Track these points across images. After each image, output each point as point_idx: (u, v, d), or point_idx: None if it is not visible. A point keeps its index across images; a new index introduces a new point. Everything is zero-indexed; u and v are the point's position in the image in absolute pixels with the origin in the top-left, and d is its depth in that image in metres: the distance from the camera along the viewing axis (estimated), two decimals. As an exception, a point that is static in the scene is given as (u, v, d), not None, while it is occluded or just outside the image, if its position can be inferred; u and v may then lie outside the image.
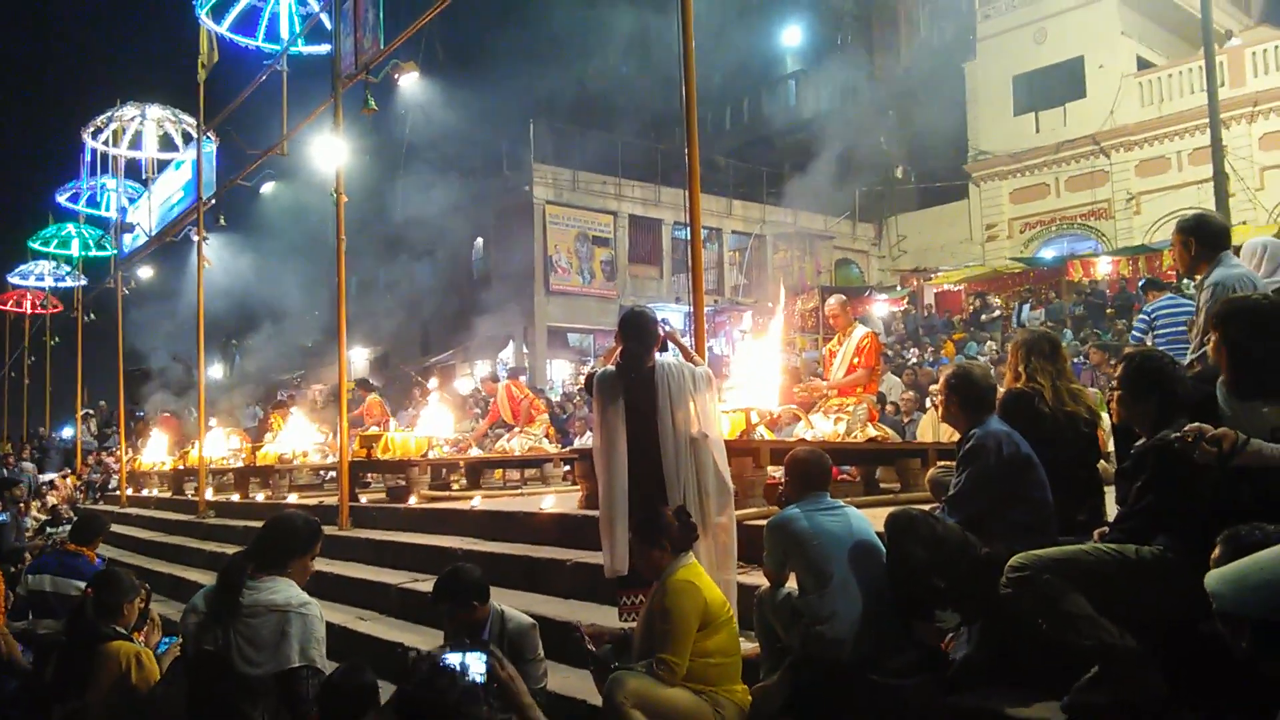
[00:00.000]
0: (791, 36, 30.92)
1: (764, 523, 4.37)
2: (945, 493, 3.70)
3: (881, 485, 6.47)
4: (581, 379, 20.84)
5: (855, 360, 6.88)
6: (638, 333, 4.36)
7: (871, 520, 3.79)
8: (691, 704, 3.37)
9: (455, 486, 9.55)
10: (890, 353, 16.48)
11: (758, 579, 4.02)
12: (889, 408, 10.16)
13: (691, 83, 5.37)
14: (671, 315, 4.80)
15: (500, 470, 10.23)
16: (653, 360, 4.31)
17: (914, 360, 16.25)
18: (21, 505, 9.29)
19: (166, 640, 4.42)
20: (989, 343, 17.59)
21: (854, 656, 3.40)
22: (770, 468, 5.31)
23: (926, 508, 3.82)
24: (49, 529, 8.68)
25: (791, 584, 3.71)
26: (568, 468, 9.52)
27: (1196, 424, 2.84)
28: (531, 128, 24.14)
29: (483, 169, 23.06)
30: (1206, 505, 2.80)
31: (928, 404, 9.88)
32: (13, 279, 20.85)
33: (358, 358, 25.71)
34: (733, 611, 3.65)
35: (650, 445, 4.18)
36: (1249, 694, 2.28)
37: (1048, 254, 23.66)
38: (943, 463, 5.32)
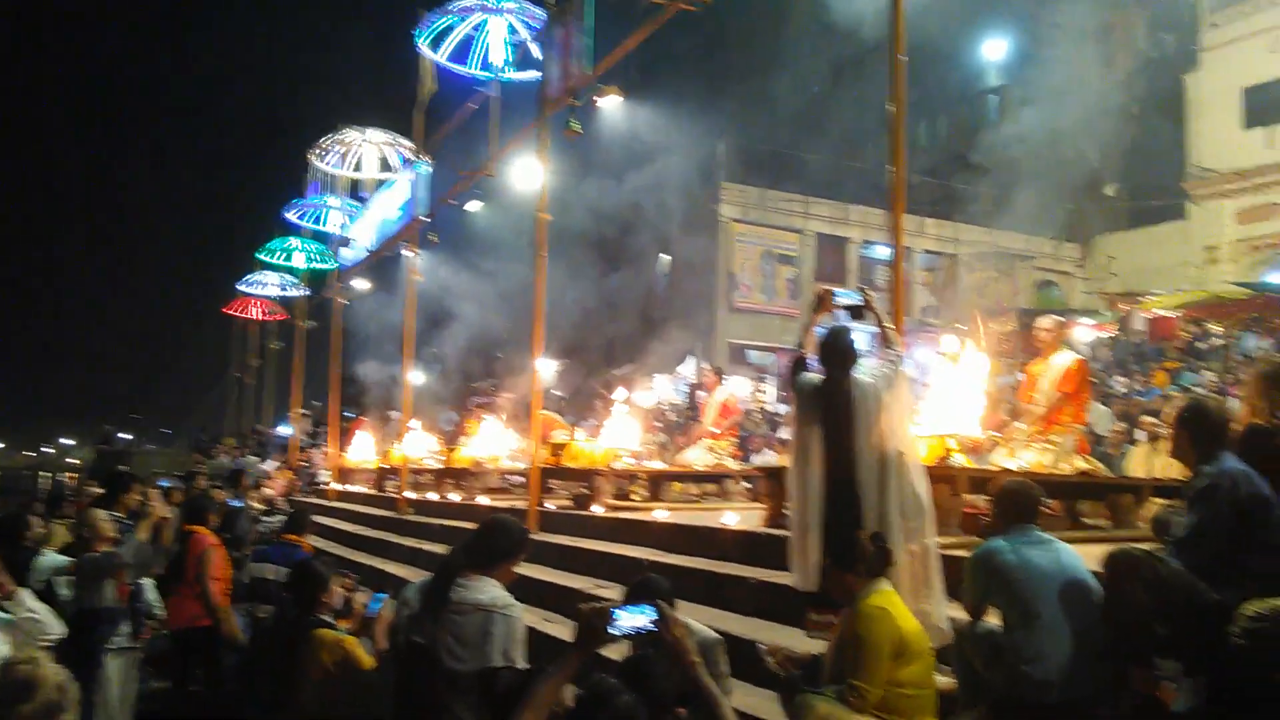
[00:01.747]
0: (995, 49, 29.70)
1: (961, 553, 4.21)
2: (1170, 533, 3.44)
3: (1086, 521, 6.08)
4: (761, 392, 20.50)
5: (1062, 388, 6.50)
6: (837, 355, 4.31)
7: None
8: (882, 734, 3.28)
9: (634, 497, 9.68)
10: (1095, 380, 15.46)
11: (955, 611, 3.87)
12: (1092, 438, 9.54)
13: (901, 99, 5.27)
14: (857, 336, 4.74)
15: (679, 484, 10.30)
16: (850, 380, 4.24)
17: (1122, 390, 15.19)
18: (246, 495, 10.16)
19: (377, 598, 4.68)
20: (1206, 373, 16.19)
21: (1062, 700, 3.22)
22: (968, 495, 5.10)
23: (1145, 547, 3.57)
24: (263, 519, 9.44)
25: (994, 619, 3.54)
26: (748, 485, 9.49)
27: None
28: (721, 146, 24.31)
29: (672, 187, 23.41)
30: None
31: (1137, 435, 9.21)
32: (241, 287, 22.93)
33: (545, 368, 26.58)
34: (929, 643, 3.52)
35: (846, 465, 4.12)
36: None
37: (1276, 279, 21.56)
38: (1167, 501, 4.94)
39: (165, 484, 12.12)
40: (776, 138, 25.60)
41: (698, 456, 10.18)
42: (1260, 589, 2.90)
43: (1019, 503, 3.60)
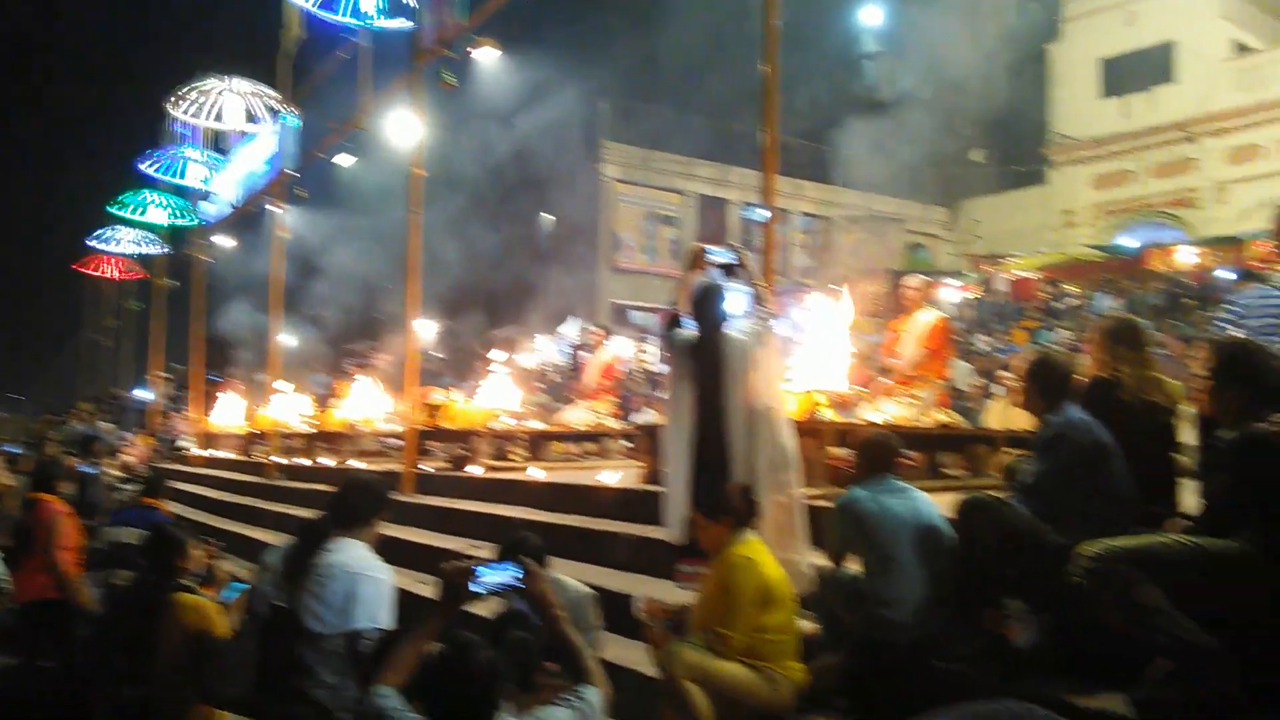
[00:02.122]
0: (871, 16, 30.32)
1: (827, 503, 4.34)
2: (1017, 480, 3.62)
3: (946, 471, 6.36)
4: (643, 353, 20.63)
5: (924, 345, 6.76)
6: (709, 312, 4.35)
7: (938, 505, 3.73)
8: (747, 678, 3.37)
9: (514, 458, 9.64)
10: (959, 339, 16.16)
11: (819, 559, 3.99)
12: (954, 393, 9.98)
13: (774, 62, 5.31)
14: (729, 294, 4.83)
15: (559, 443, 10.30)
16: (722, 336, 4.29)
17: (984, 348, 15.93)
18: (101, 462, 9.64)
19: (236, 586, 4.53)
20: (1062, 331, 17.13)
21: (916, 640, 3.36)
22: (834, 448, 5.25)
23: (996, 494, 3.75)
24: (120, 486, 8.99)
25: (855, 565, 3.67)
26: (628, 443, 9.56)
27: (1289, 416, 2.73)
28: (603, 105, 24.12)
29: (554, 145, 23.13)
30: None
31: (995, 390, 9.67)
32: (93, 243, 21.49)
33: (425, 329, 26.04)
34: (792, 589, 3.62)
35: (716, 419, 4.19)
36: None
37: (1128, 242, 22.93)
38: (1017, 450, 5.20)
39: (14, 450, 11.40)
40: (659, 98, 25.58)
41: (578, 416, 10.18)
42: (1099, 532, 3.08)
43: (878, 453, 3.73)
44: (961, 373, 10.78)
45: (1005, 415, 8.46)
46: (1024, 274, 23.35)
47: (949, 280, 23.56)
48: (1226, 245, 18.97)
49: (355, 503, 3.60)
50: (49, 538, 5.94)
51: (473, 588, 2.66)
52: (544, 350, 24.23)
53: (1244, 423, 2.92)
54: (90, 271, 22.93)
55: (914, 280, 7.11)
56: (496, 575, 2.70)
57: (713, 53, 24.41)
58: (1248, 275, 7.23)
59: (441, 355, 21.37)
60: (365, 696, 2.92)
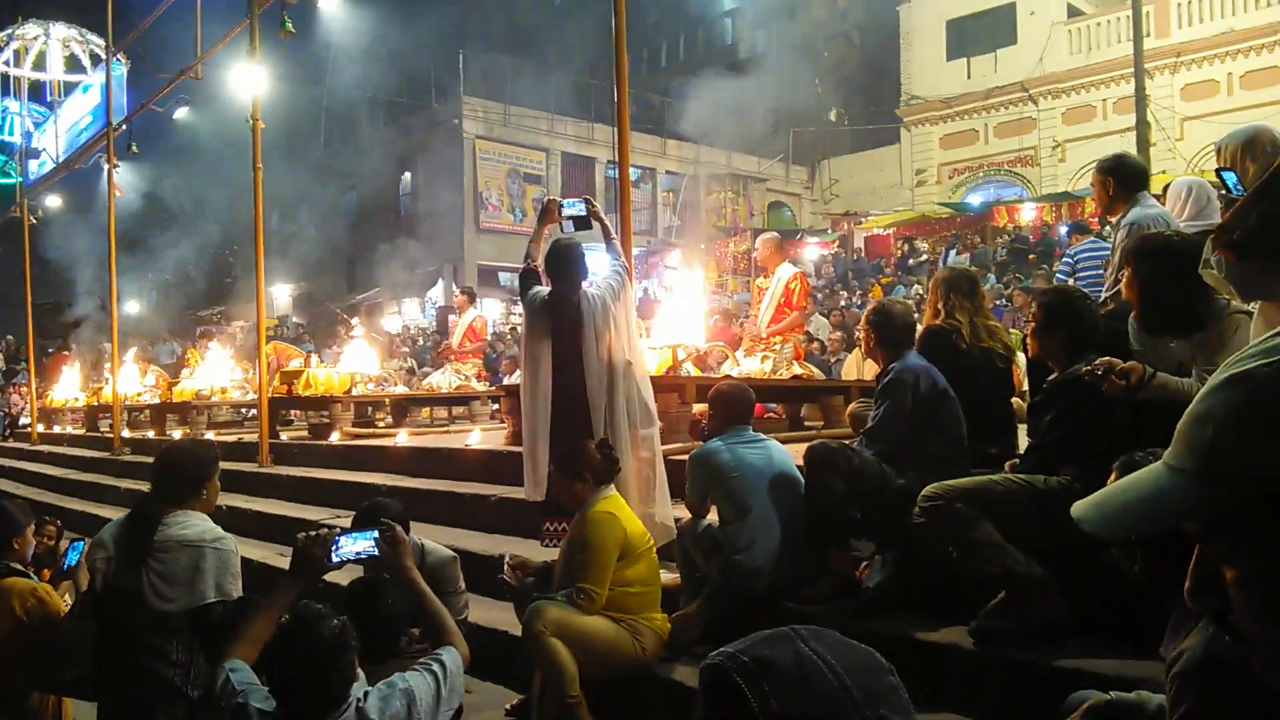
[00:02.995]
0: (729, -30, 30.53)
1: (686, 457, 4.41)
2: (864, 426, 3.75)
3: (806, 423, 6.57)
4: (513, 318, 20.45)
5: (782, 300, 6.92)
6: (565, 268, 4.29)
7: (794, 455, 3.84)
8: (611, 632, 3.40)
9: (381, 424, 9.43)
10: (820, 296, 16.66)
11: (680, 511, 4.06)
12: (814, 346, 10.29)
13: (621, 16, 5.25)
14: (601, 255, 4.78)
15: (428, 408, 10.13)
16: (579, 293, 4.26)
17: (843, 303, 16.46)
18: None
19: (77, 546, 4.26)
20: (915, 286, 17.88)
21: (770, 585, 3.47)
22: (696, 404, 5.33)
23: (842, 440, 3.89)
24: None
25: (713, 516, 3.74)
26: (496, 406, 9.47)
27: (1106, 358, 2.91)
28: (461, 58, 23.49)
29: (410, 100, 22.41)
30: (1113, 437, 2.88)
31: (855, 344, 10.01)
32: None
33: (280, 294, 25.03)
34: (652, 542, 3.67)
35: (576, 377, 4.16)
36: (1144, 616, 2.37)
37: (975, 200, 24.05)
38: (863, 399, 5.41)
39: None
40: (519, 52, 25.11)
41: (443, 379, 10.01)
42: (938, 474, 3.24)
43: (733, 405, 3.80)
44: (820, 327, 11.11)
45: (860, 367, 8.80)
46: (879, 231, 24.21)
47: (810, 238, 24.20)
48: (1064, 201, 20.13)
49: (177, 473, 3.42)
50: None
51: (330, 558, 2.58)
52: (410, 314, 23.71)
53: (1069, 365, 3.11)
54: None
55: (762, 239, 7.24)
56: (355, 544, 2.61)
57: (571, 8, 24.11)
58: (1080, 229, 7.69)
59: (300, 321, 20.60)
60: (217, 671, 2.82)
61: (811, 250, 23.32)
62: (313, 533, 2.68)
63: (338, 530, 2.71)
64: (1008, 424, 4.01)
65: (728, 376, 5.53)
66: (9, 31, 14.80)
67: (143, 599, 3.23)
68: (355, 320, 10.83)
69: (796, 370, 6.17)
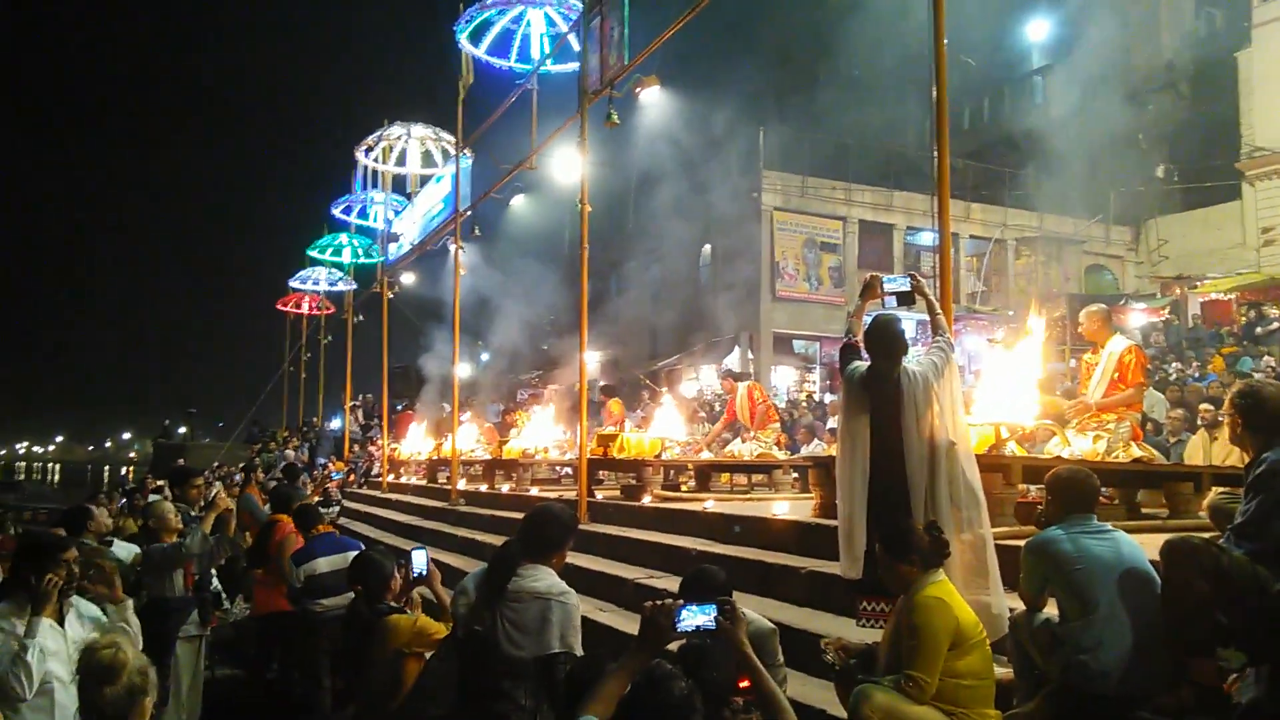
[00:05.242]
0: (1038, 30, 29.17)
1: (1015, 543, 4.19)
2: (1229, 521, 3.39)
3: (1143, 510, 6.00)
4: (810, 386, 20.43)
5: (1115, 375, 6.39)
6: (885, 345, 4.28)
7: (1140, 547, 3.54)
8: (940, 724, 3.29)
9: (684, 488, 9.73)
10: (1150, 366, 15.18)
11: (1013, 601, 3.85)
12: (1149, 426, 9.38)
13: (943, 83, 5.23)
14: (906, 325, 4.68)
15: (727, 475, 10.33)
16: (899, 369, 4.23)
17: (1175, 376, 14.90)
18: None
19: (418, 547, 4.73)
20: (1266, 358, 15.80)
21: (1120, 691, 3.20)
22: (1021, 485, 5.06)
23: (1206, 536, 3.53)
24: (322, 509, 9.61)
25: (1051, 609, 3.53)
26: (796, 475, 9.48)
27: None
28: (761, 135, 24.18)
29: (713, 177, 23.34)
30: None
31: (1198, 424, 9.02)
32: (293, 283, 23.37)
33: (590, 360, 26.68)
34: (984, 633, 3.51)
35: (895, 454, 4.11)
36: None
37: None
38: (1224, 489, 4.86)
39: (237, 476, 12.38)
40: (817, 125, 25.41)
41: (745, 448, 10.18)
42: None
43: (1075, 491, 3.57)
44: (1157, 404, 10.12)
45: (1208, 450, 7.92)
46: (1218, 295, 21.73)
47: (1136, 304, 22.21)
48: None
49: (544, 532, 3.75)
50: (281, 555, 6.46)
51: (674, 628, 2.72)
52: (707, 380, 24.35)
53: None
54: (289, 310, 24.82)
55: (1096, 309, 6.73)
56: (695, 617, 2.73)
57: (871, 77, 24.11)
58: None
59: (606, 385, 21.83)
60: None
61: (1137, 317, 21.32)
62: (658, 602, 2.84)
63: (680, 602, 2.85)
64: None
65: (1058, 458, 5.21)
66: (378, 134, 17.25)
67: (496, 644, 3.57)
68: (664, 388, 11.34)
69: (1136, 452, 5.67)
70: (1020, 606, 3.68)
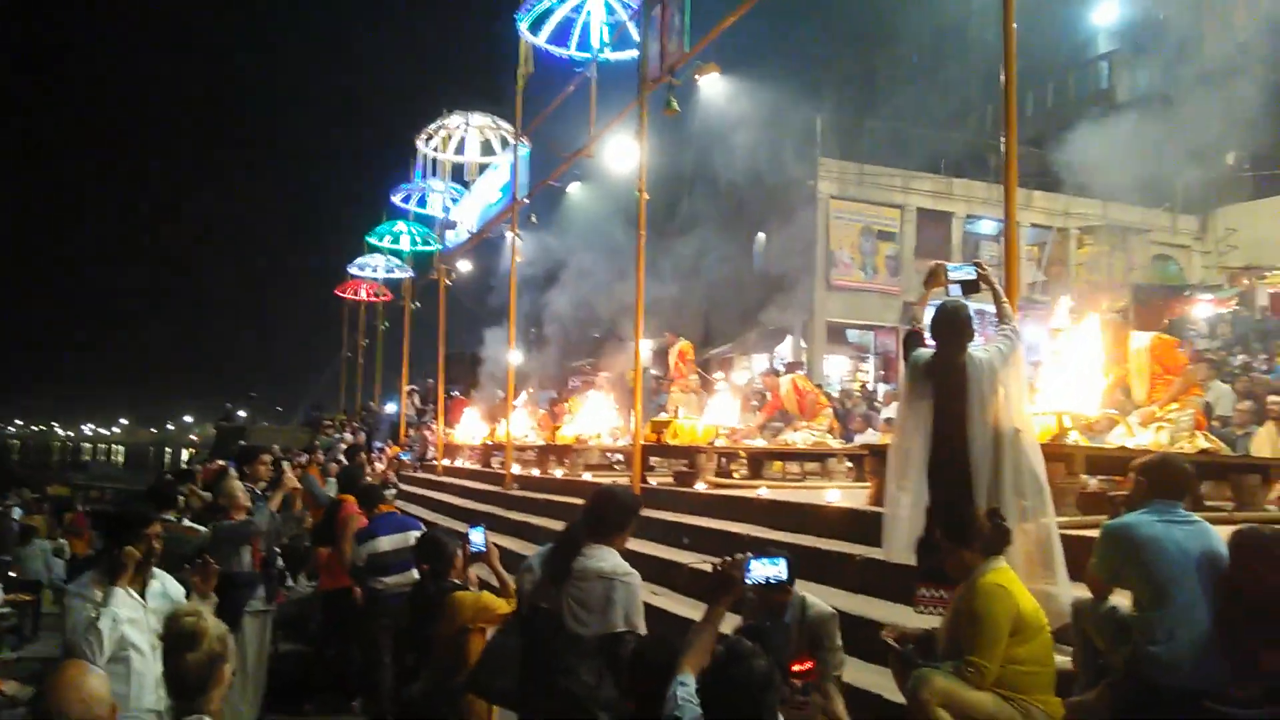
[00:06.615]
0: (1105, 14, 28.44)
1: (1076, 532, 4.15)
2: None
3: (1207, 502, 5.88)
4: (863, 373, 20.32)
5: (1159, 369, 6.23)
6: (953, 331, 4.27)
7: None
8: (1000, 710, 3.29)
9: (736, 475, 9.75)
10: (1215, 358, 14.79)
11: (1078, 590, 3.82)
12: (1215, 421, 9.16)
13: (1011, 68, 5.17)
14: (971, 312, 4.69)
15: (780, 463, 10.32)
16: (964, 355, 4.21)
17: (1240, 368, 14.50)
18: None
19: (476, 529, 4.85)
20: (1340, 351, 15.30)
21: (1190, 684, 3.16)
22: (1084, 475, 5.00)
23: (1276, 528, 3.46)
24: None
25: (1116, 598, 3.49)
26: (851, 464, 9.45)
27: None
28: (818, 122, 23.94)
29: (768, 164, 23.18)
30: None
31: (1266, 416, 8.79)
32: (352, 270, 23.76)
33: (643, 348, 26.71)
34: (1046, 621, 3.50)
35: (958, 440, 4.10)
36: None
37: None
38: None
39: (302, 458, 12.68)
40: (875, 111, 25.10)
41: (798, 436, 10.17)
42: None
43: (1169, 478, 3.50)
44: (1223, 396, 9.89)
45: (1276, 442, 7.74)
46: (1289, 287, 21.07)
47: (1202, 295, 21.64)
48: None
49: (608, 513, 3.82)
50: (345, 534, 6.64)
51: (745, 579, 2.90)
52: (758, 368, 24.25)
53: None
54: (347, 296, 25.27)
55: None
56: (765, 568, 2.95)
57: (929, 63, 23.75)
58: None
59: (658, 373, 21.89)
60: (619, 697, 3.13)
61: (1203, 308, 20.78)
62: (729, 558, 2.98)
63: (749, 555, 2.99)
64: None
65: (1122, 447, 5.14)
66: (438, 123, 17.44)
67: (561, 621, 3.64)
68: (719, 375, 11.37)
69: (1202, 443, 5.56)
70: (1085, 594, 3.65)
